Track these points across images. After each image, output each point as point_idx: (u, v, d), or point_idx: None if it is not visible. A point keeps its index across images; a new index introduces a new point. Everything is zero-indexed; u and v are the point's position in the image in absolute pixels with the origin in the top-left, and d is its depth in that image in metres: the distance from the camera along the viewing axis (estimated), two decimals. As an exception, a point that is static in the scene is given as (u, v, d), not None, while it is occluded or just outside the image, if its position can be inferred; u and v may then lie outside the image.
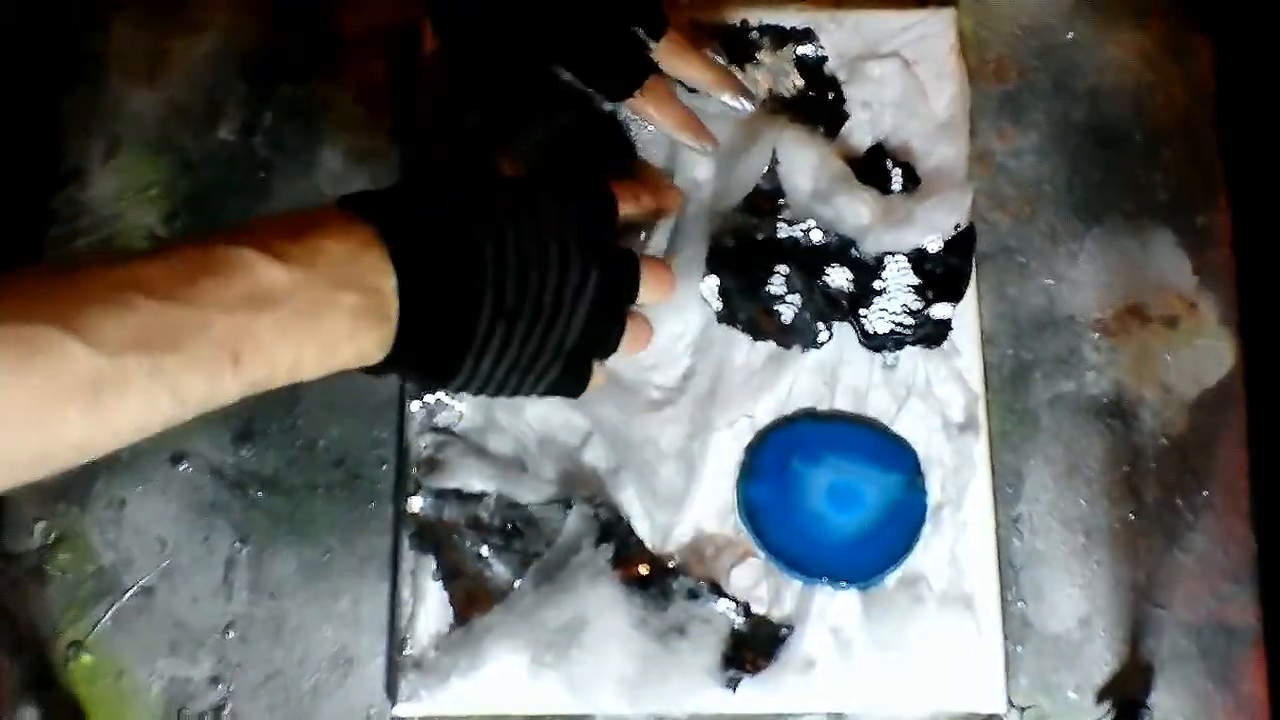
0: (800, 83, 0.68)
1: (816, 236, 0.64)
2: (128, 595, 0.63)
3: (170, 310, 0.41)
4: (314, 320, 0.44)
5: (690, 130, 0.65)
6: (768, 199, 0.66)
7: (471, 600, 0.61)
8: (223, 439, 0.65)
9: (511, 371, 0.51)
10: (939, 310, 0.64)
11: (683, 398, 0.64)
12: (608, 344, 0.54)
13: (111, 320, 0.39)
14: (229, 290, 0.42)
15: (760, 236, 0.65)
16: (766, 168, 0.66)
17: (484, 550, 0.62)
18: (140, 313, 0.40)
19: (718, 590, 0.61)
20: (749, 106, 0.66)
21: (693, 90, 0.67)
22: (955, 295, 0.64)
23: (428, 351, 0.49)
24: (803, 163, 0.65)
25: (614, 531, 0.62)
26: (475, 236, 0.48)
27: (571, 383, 0.54)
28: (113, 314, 0.40)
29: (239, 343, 0.42)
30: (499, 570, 0.62)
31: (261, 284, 0.43)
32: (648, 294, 0.55)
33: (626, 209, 0.56)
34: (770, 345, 0.65)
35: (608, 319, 0.53)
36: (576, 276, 0.50)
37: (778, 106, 0.68)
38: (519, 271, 0.49)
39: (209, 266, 0.42)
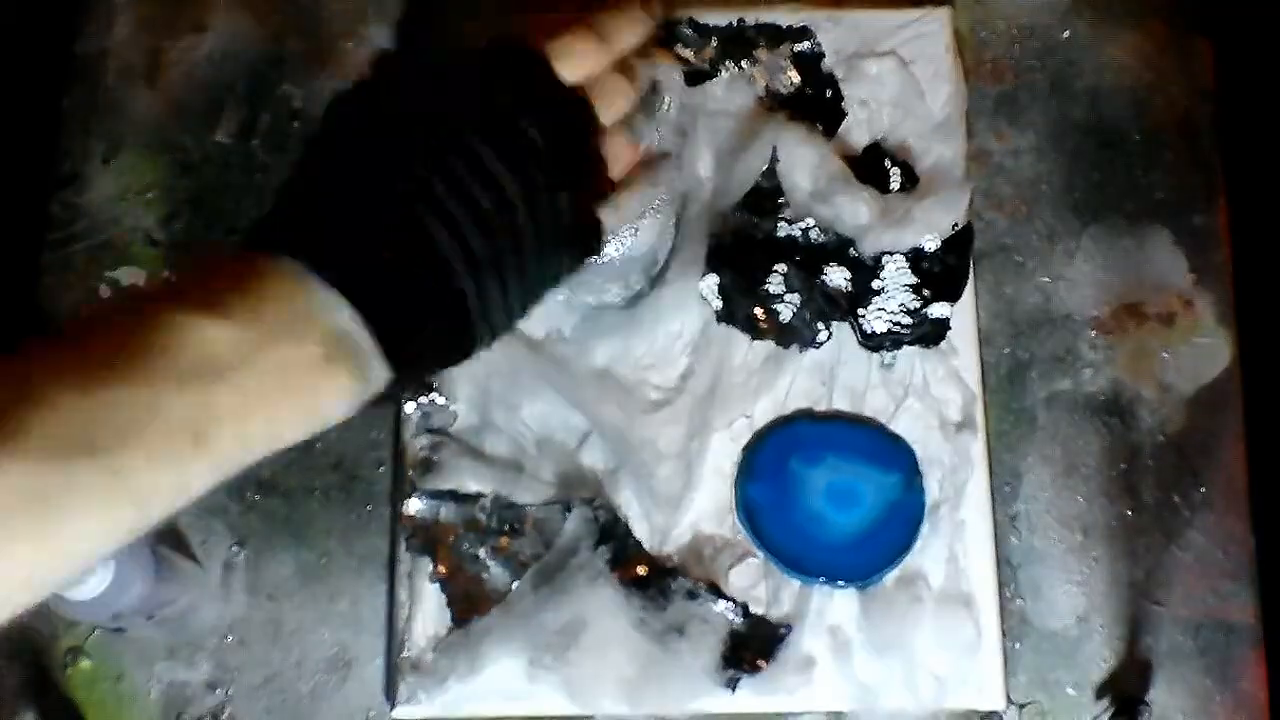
0: (797, 79, 0.68)
1: (815, 235, 0.64)
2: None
3: (111, 397, 0.35)
4: (281, 378, 0.39)
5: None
6: (767, 198, 0.66)
7: (470, 602, 0.61)
8: (220, 442, 0.64)
9: (525, 291, 0.46)
10: (937, 309, 0.64)
11: (681, 398, 0.64)
12: (593, 186, 0.47)
13: (43, 422, 0.33)
14: (174, 362, 0.36)
15: (759, 235, 0.65)
16: (766, 166, 0.66)
17: (481, 552, 0.62)
18: (77, 407, 0.34)
19: (716, 591, 0.61)
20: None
21: (697, 79, 0.67)
22: (953, 294, 0.64)
23: (430, 353, 0.44)
24: (802, 161, 0.65)
25: (612, 533, 0.62)
26: (410, 211, 0.41)
27: (587, 247, 0.48)
28: (42, 415, 0.33)
29: (198, 421, 0.36)
30: (497, 572, 0.62)
31: (209, 348, 0.37)
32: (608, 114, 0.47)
33: (584, 59, 0.47)
34: (769, 345, 0.65)
35: (578, 174, 0.46)
36: (529, 177, 0.43)
37: (775, 105, 0.68)
38: (473, 217, 0.42)
39: (145, 338, 0.36)
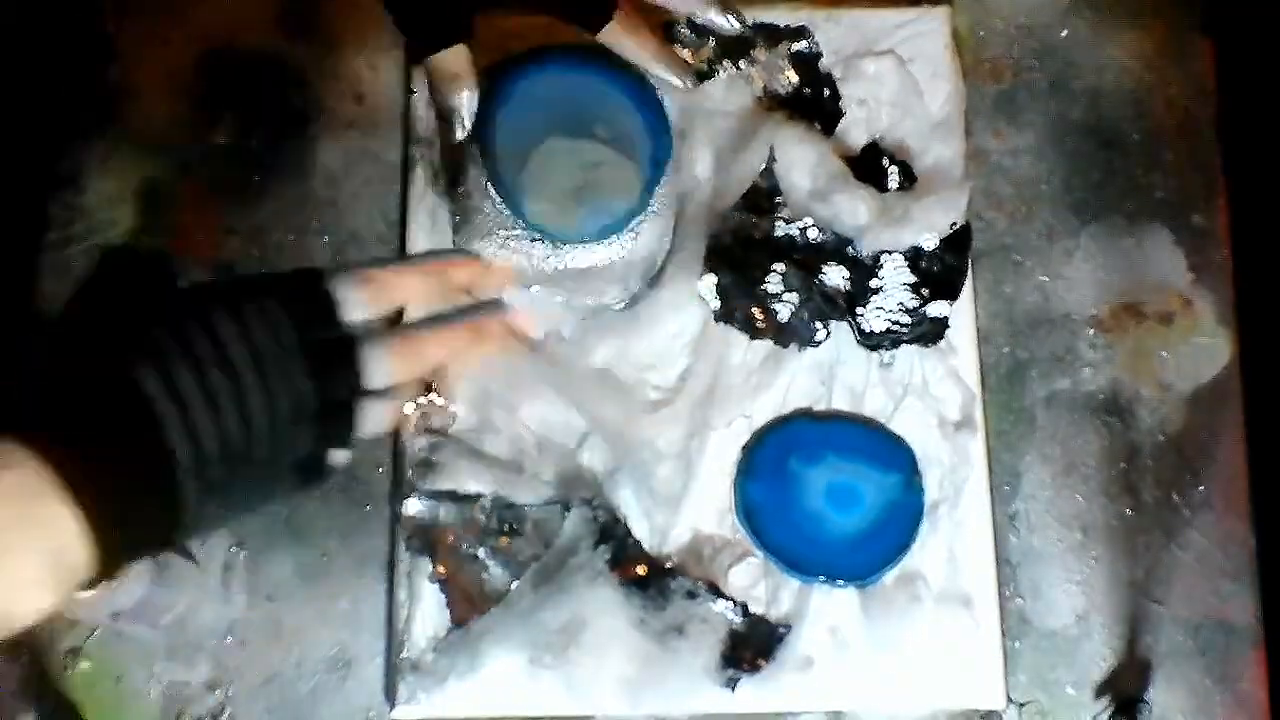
0: (795, 79, 0.68)
1: (814, 235, 0.64)
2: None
3: None
4: None
5: (665, 60, 0.61)
6: (765, 197, 0.66)
7: (469, 602, 0.61)
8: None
9: (242, 505, 0.44)
10: (936, 308, 0.64)
11: (680, 398, 0.64)
12: (343, 440, 0.46)
13: None
14: None
15: (758, 235, 0.65)
16: (764, 165, 0.66)
17: (481, 552, 0.62)
18: None
19: (716, 590, 0.61)
20: (689, 84, 0.63)
21: (697, 77, 0.66)
22: (952, 293, 0.64)
23: (132, 555, 0.41)
24: (800, 160, 0.65)
25: (612, 532, 0.62)
26: (159, 434, 0.40)
27: (315, 480, 0.46)
28: None
29: None
30: (496, 572, 0.62)
31: None
32: (403, 370, 0.45)
33: (357, 312, 0.45)
34: (767, 345, 0.65)
35: (336, 429, 0.45)
36: (283, 419, 0.43)
37: (773, 104, 0.68)
38: (221, 449, 0.41)
39: None
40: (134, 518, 0.40)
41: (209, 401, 0.41)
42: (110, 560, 0.39)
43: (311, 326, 0.44)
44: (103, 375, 0.40)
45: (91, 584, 0.41)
